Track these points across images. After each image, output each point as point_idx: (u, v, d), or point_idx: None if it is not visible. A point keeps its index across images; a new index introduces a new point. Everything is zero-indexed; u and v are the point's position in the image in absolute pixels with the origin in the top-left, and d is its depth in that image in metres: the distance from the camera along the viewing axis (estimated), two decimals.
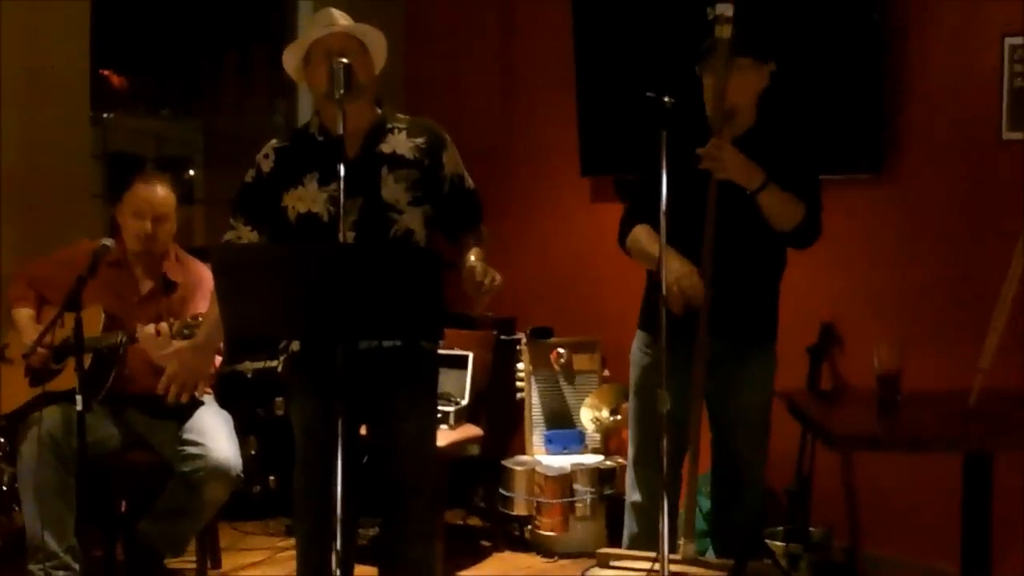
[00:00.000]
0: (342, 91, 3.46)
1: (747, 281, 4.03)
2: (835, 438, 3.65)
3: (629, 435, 4.29)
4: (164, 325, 4.53)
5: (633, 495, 4.24)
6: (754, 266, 4.06)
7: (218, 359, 4.80)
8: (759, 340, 4.14)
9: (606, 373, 5.86)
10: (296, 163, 3.91)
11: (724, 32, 3.70)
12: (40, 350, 4.60)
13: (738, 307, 3.99)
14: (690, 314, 3.83)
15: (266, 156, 3.99)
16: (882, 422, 3.72)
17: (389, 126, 3.94)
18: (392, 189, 3.84)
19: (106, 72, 6.69)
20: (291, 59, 3.96)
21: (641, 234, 4.09)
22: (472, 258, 3.78)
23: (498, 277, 3.69)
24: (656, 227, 3.80)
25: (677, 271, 3.80)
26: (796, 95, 5.00)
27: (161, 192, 4.90)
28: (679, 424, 3.83)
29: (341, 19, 3.92)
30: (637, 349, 4.23)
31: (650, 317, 4.05)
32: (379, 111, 3.96)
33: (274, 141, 4.05)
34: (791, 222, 3.94)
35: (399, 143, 3.91)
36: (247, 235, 3.98)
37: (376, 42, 3.94)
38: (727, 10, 3.62)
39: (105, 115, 6.66)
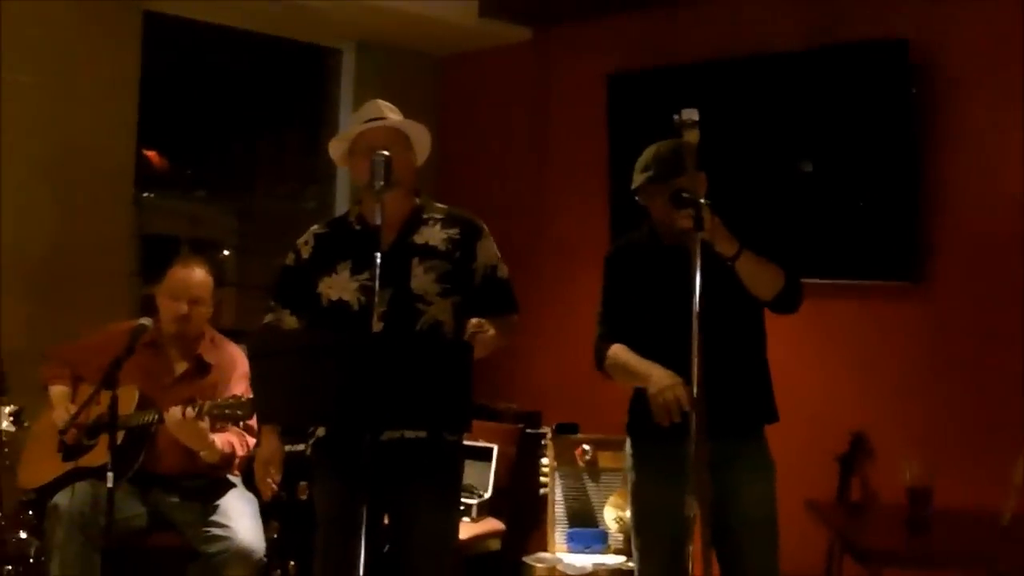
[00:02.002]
0: (381, 183, 3.52)
1: (732, 378, 3.90)
2: (864, 552, 3.62)
3: (632, 545, 4.14)
4: (190, 409, 4.57)
5: None
6: (738, 361, 3.94)
7: (251, 440, 4.82)
8: (751, 435, 4.01)
9: None
10: (332, 250, 3.98)
11: (692, 137, 3.71)
12: (74, 427, 4.63)
13: (726, 405, 3.85)
14: (683, 421, 3.76)
15: (306, 242, 4.07)
16: (912, 538, 3.69)
17: (425, 216, 3.99)
18: (421, 280, 3.87)
19: (147, 153, 6.77)
20: (336, 148, 4.04)
21: (618, 352, 4.01)
22: (475, 320, 3.76)
23: (491, 330, 3.69)
24: (631, 344, 3.88)
25: (660, 382, 3.73)
26: (831, 199, 5.07)
27: (198, 275, 4.96)
28: (680, 528, 3.73)
29: (388, 112, 3.99)
30: (629, 458, 4.13)
31: (636, 423, 4.02)
32: (417, 201, 4.01)
33: (316, 227, 4.12)
34: (774, 286, 3.85)
35: (432, 234, 3.95)
36: (287, 319, 4.05)
37: (420, 137, 4.00)
38: (693, 115, 3.63)
39: (145, 194, 6.73)
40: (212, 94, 7.22)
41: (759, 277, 3.83)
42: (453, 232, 3.97)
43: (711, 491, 3.73)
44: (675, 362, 3.69)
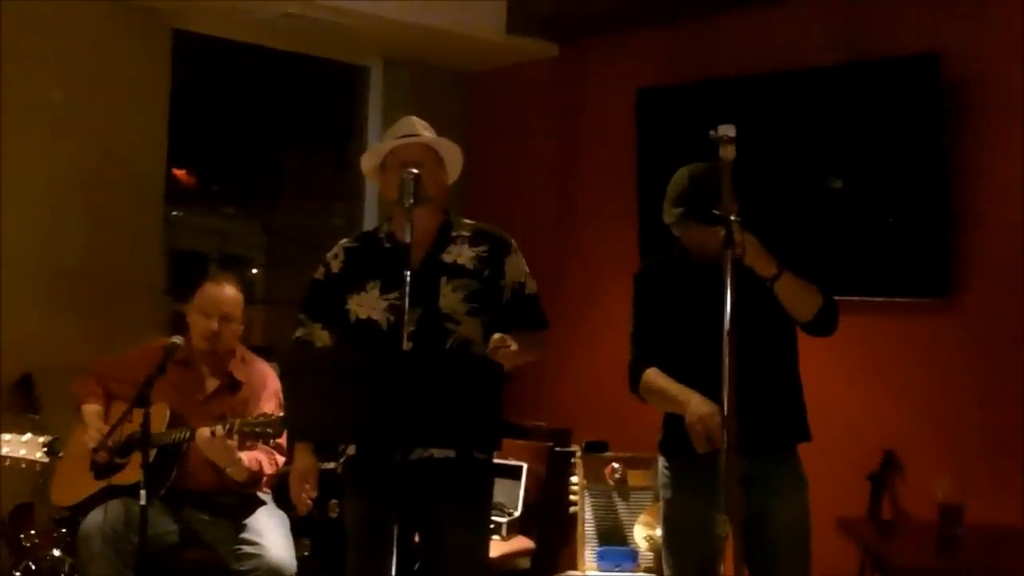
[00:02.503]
0: (411, 201, 3.49)
1: (764, 396, 3.84)
2: (895, 570, 3.61)
3: (664, 563, 4.12)
4: (219, 428, 4.58)
5: None
6: (769, 379, 3.90)
7: (280, 459, 4.83)
8: (783, 453, 3.98)
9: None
10: (362, 267, 3.98)
11: (728, 153, 3.69)
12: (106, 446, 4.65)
13: (757, 423, 3.89)
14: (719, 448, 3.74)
15: (336, 256, 4.08)
16: (943, 556, 3.68)
17: (454, 234, 3.99)
18: (450, 299, 3.87)
19: (177, 172, 6.80)
20: (368, 162, 4.05)
21: (654, 377, 3.98)
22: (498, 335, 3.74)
23: (513, 345, 3.66)
24: (664, 365, 3.86)
25: (697, 409, 3.71)
26: (862, 215, 5.05)
27: (229, 292, 4.97)
28: (712, 557, 3.71)
29: (421, 128, 3.99)
30: (660, 474, 4.11)
31: (669, 441, 4.00)
32: (445, 218, 4.01)
33: (345, 241, 4.13)
34: (812, 308, 3.82)
35: (461, 253, 3.95)
36: (319, 333, 4.07)
37: (452, 155, 4.01)
38: (729, 131, 3.61)
39: (173, 211, 6.76)
40: (240, 111, 7.26)
41: (798, 298, 3.81)
42: (481, 249, 3.97)
43: (743, 509, 3.73)
44: (707, 381, 3.67)
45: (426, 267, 3.91)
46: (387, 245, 4.00)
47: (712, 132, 3.53)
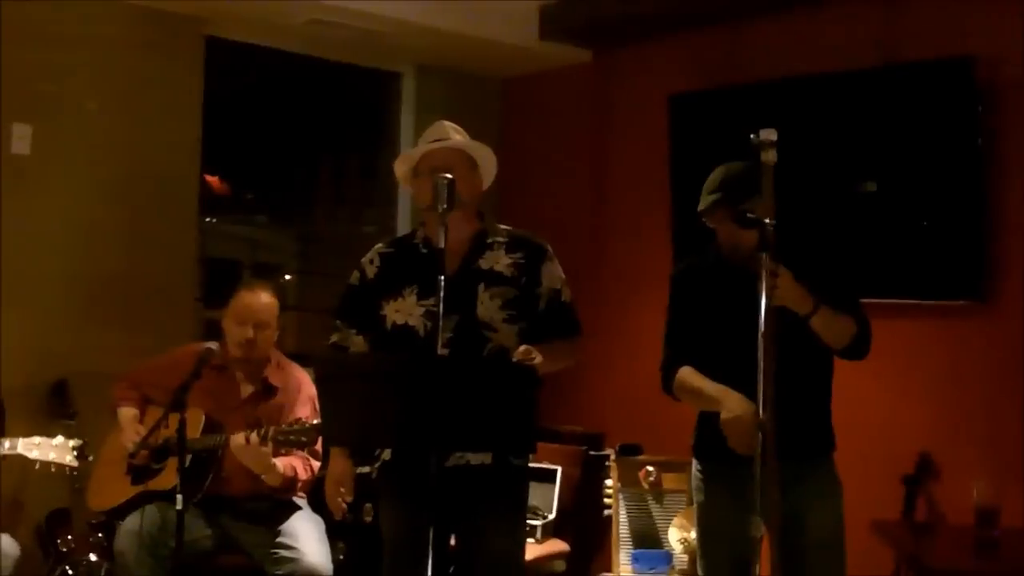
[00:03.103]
0: (444, 206, 3.50)
1: (799, 398, 3.85)
2: (931, 573, 3.60)
3: (698, 565, 4.14)
4: (253, 435, 4.61)
5: None
6: (805, 382, 3.90)
7: (315, 464, 4.85)
8: (819, 456, 3.99)
9: None
10: (398, 273, 3.98)
11: (769, 157, 3.68)
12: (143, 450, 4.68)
13: (794, 426, 3.89)
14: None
15: (371, 261, 4.08)
16: (980, 558, 3.66)
17: (489, 240, 3.99)
18: (487, 307, 3.87)
19: (209, 179, 6.83)
20: (401, 168, 4.05)
21: (688, 375, 3.99)
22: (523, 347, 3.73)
23: (538, 357, 3.64)
24: (698, 366, 3.86)
25: (734, 408, 3.70)
26: (897, 218, 5.03)
27: (264, 299, 4.99)
28: (746, 560, 3.72)
29: (454, 133, 4.00)
30: (694, 477, 4.12)
31: (704, 444, 4.00)
32: (480, 224, 4.02)
33: (380, 245, 4.13)
34: (845, 339, 3.84)
35: (497, 259, 3.95)
36: (354, 339, 4.07)
37: (486, 159, 4.02)
38: (771, 135, 3.60)
39: (207, 218, 6.79)
40: (273, 119, 7.29)
41: (832, 331, 3.82)
42: (518, 256, 3.97)
43: (779, 512, 3.73)
44: (741, 384, 3.67)
45: (463, 273, 3.91)
46: (423, 250, 3.99)
47: (753, 136, 3.53)
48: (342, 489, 4.07)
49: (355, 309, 4.09)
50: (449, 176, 3.55)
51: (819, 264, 3.92)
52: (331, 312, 4.23)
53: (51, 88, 5.74)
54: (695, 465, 4.10)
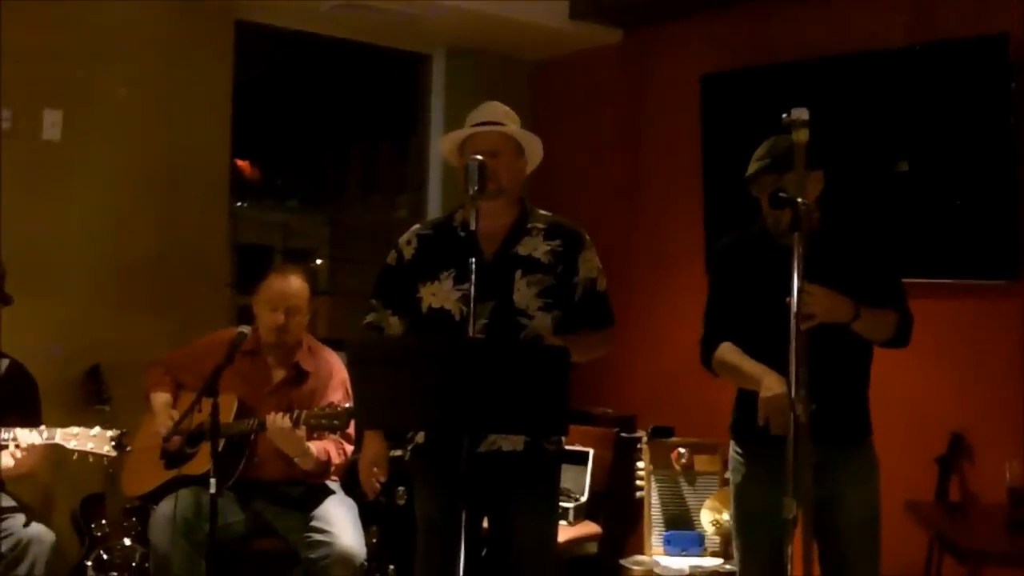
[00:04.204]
0: (475, 188, 3.50)
1: (838, 380, 3.87)
2: (964, 552, 3.59)
3: (734, 546, 4.15)
4: (286, 418, 4.63)
5: None
6: (843, 364, 3.89)
7: (348, 448, 4.86)
8: (857, 439, 3.98)
9: (728, 475, 5.79)
10: (435, 256, 3.94)
11: (801, 136, 3.67)
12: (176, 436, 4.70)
13: (832, 408, 3.88)
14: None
15: (409, 242, 4.04)
16: (1013, 538, 3.65)
17: (529, 226, 3.96)
18: (524, 294, 3.85)
19: (240, 163, 6.84)
20: (446, 145, 4.01)
21: (728, 351, 3.98)
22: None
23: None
24: (737, 342, 3.85)
25: (772, 387, 3.69)
26: (929, 197, 5.01)
27: (295, 284, 4.99)
28: (780, 530, 3.72)
29: (503, 115, 3.96)
30: (732, 458, 4.12)
31: (741, 425, 3.98)
32: (521, 209, 3.98)
33: (418, 227, 4.10)
34: (886, 334, 3.85)
35: (536, 246, 3.92)
36: (389, 320, 4.05)
37: (533, 145, 3.98)
38: (803, 114, 3.59)
39: (238, 203, 6.81)
40: (302, 103, 7.29)
41: (874, 331, 3.82)
42: (556, 244, 3.94)
43: (814, 493, 3.72)
44: (779, 361, 3.67)
45: (500, 259, 3.89)
46: (461, 233, 3.93)
47: (785, 115, 3.52)
48: (376, 470, 4.07)
49: (391, 290, 4.06)
50: (479, 158, 3.54)
51: (862, 252, 3.92)
52: (365, 294, 4.22)
53: (81, 74, 5.76)
54: (733, 446, 4.10)
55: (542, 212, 4.04)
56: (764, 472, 3.77)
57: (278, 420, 4.65)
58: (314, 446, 4.76)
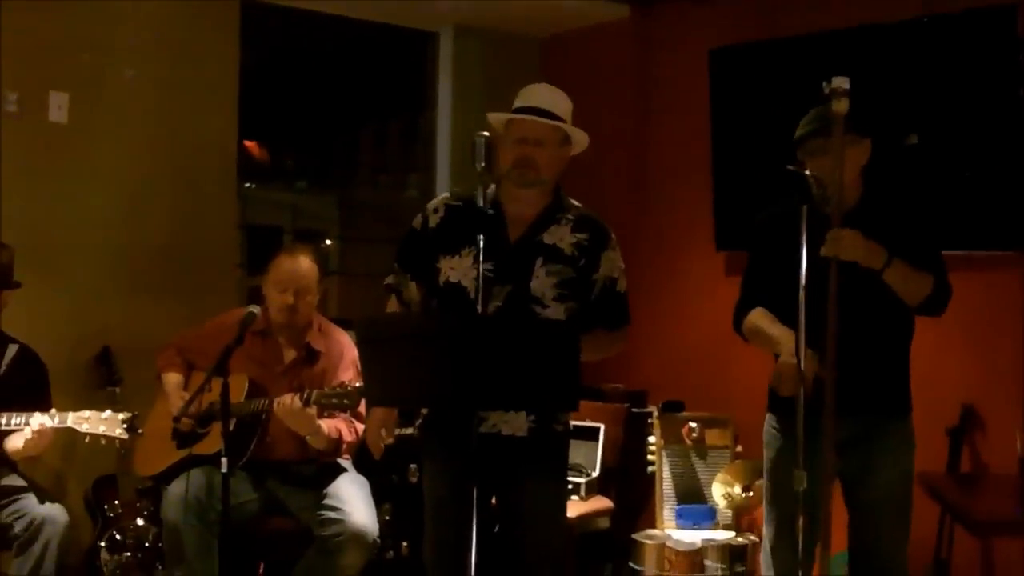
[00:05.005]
0: (482, 164, 3.48)
1: (876, 353, 3.93)
2: (976, 523, 3.59)
3: (764, 517, 4.21)
4: (296, 398, 4.64)
5: (768, 573, 4.13)
6: (882, 337, 3.95)
7: (359, 426, 4.86)
8: (894, 413, 4.02)
9: (739, 449, 5.81)
10: (460, 229, 3.90)
11: (841, 106, 3.66)
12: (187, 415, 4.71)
13: (869, 381, 3.91)
14: (818, 394, 3.76)
15: (436, 210, 4.01)
16: None
17: (558, 216, 3.93)
18: (541, 281, 3.84)
19: (248, 143, 6.84)
20: (493, 120, 3.96)
21: (757, 318, 4.04)
22: None
23: None
24: (772, 309, 3.86)
25: (791, 351, 3.74)
26: (940, 169, 5.00)
27: (304, 264, 4.97)
28: (809, 503, 3.76)
29: (556, 103, 3.93)
30: (768, 430, 4.15)
31: (776, 398, 4.00)
32: (553, 198, 3.96)
33: (448, 196, 4.07)
34: (920, 294, 3.86)
35: (562, 235, 3.90)
36: (408, 284, 4.05)
37: (579, 138, 3.96)
38: (843, 83, 3.58)
39: (247, 184, 6.81)
40: (310, 83, 7.28)
41: (906, 287, 3.83)
42: (582, 237, 3.91)
43: (844, 465, 3.74)
44: (813, 335, 3.68)
45: (524, 244, 3.88)
46: (490, 211, 3.82)
47: (825, 83, 3.52)
48: (384, 432, 4.06)
49: (412, 255, 4.04)
50: (486, 134, 3.52)
51: (901, 219, 3.93)
52: (376, 274, 4.21)
53: (87, 56, 5.75)
54: (769, 419, 4.13)
55: (575, 203, 4.01)
56: (796, 445, 3.75)
57: (286, 400, 4.65)
58: (325, 424, 4.77)
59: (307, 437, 4.75)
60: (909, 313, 3.98)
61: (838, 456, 3.85)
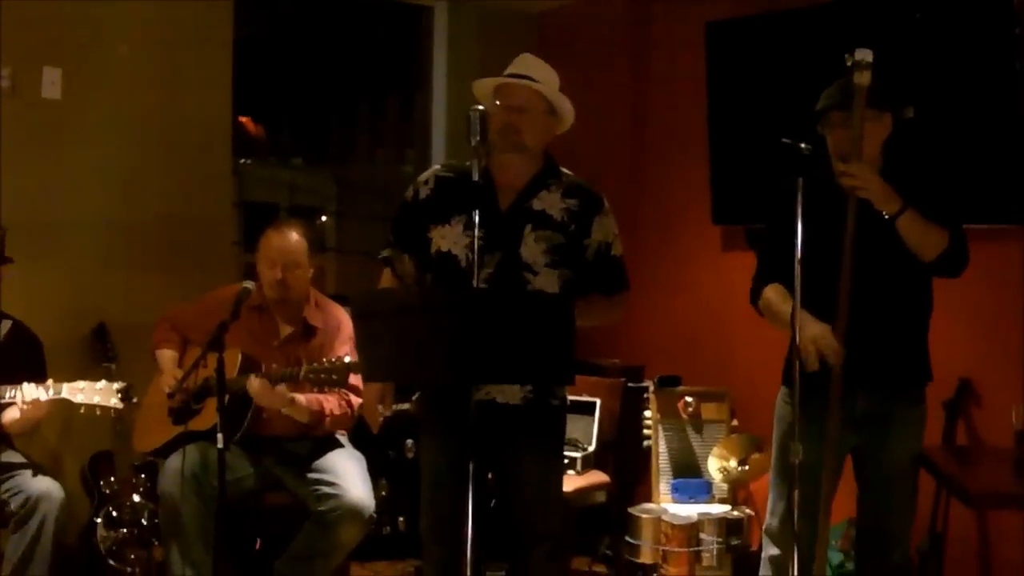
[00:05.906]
0: (477, 138, 3.48)
1: (892, 329, 3.93)
2: (971, 496, 3.60)
3: (770, 488, 4.21)
4: (259, 379, 4.65)
5: (770, 549, 4.15)
6: (898, 312, 3.94)
7: (355, 400, 4.85)
8: (908, 389, 4.01)
9: (735, 423, 5.81)
10: (450, 199, 3.92)
11: (863, 79, 3.64)
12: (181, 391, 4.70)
13: (884, 356, 3.90)
14: (830, 368, 3.77)
15: (426, 182, 4.03)
16: (1019, 480, 3.65)
17: (548, 182, 3.94)
18: (531, 248, 3.84)
19: (243, 119, 6.82)
20: (479, 89, 3.97)
21: (772, 295, 4.03)
22: None
23: None
24: (788, 285, 3.81)
25: (814, 331, 3.75)
26: (938, 143, 4.99)
27: (292, 239, 4.96)
28: (818, 478, 3.76)
29: (538, 70, 3.95)
30: (780, 404, 4.14)
31: (791, 372, 4.00)
32: (543, 165, 3.96)
33: (439, 168, 4.09)
34: (935, 249, 3.82)
35: (552, 202, 3.90)
36: (402, 259, 4.05)
37: (564, 107, 3.96)
38: (867, 56, 3.55)
39: (242, 161, 6.79)
40: (305, 59, 7.26)
41: (920, 239, 3.80)
42: (572, 203, 3.92)
43: (857, 440, 3.74)
44: (827, 306, 3.67)
45: (513, 212, 3.88)
46: (480, 181, 3.84)
47: (847, 55, 3.50)
48: (380, 406, 4.05)
49: (404, 228, 4.05)
50: (481, 108, 3.53)
51: (921, 189, 3.90)
52: (373, 250, 4.20)
53: (81, 31, 5.74)
54: (782, 393, 4.12)
55: (566, 171, 4.02)
56: (808, 420, 3.74)
57: (254, 383, 4.65)
58: (304, 397, 4.75)
59: (284, 411, 4.73)
60: (929, 288, 3.97)
61: (854, 431, 3.85)
